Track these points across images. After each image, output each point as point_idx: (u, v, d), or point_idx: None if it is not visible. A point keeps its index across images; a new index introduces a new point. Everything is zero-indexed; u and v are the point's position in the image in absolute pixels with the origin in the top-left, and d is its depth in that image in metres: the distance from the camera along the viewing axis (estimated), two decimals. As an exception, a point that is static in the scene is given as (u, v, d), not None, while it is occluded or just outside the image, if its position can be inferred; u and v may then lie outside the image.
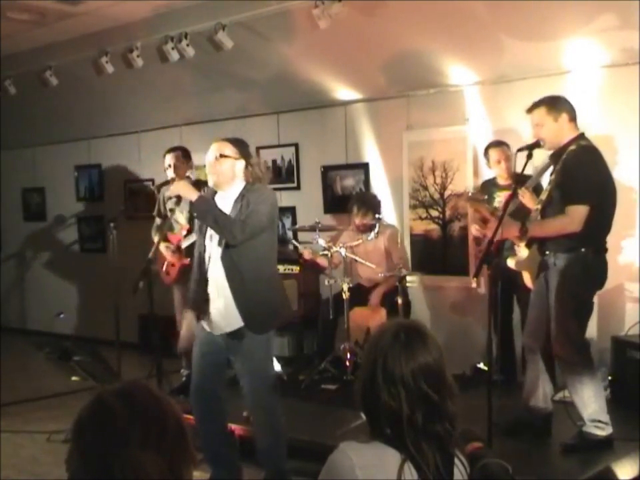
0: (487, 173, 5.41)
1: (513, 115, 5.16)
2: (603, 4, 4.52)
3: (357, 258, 5.54)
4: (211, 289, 3.56)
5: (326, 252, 5.44)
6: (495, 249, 3.49)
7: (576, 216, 3.68)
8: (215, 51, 5.82)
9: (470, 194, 5.20)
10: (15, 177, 9.15)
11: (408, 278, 5.35)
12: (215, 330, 3.57)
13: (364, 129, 6.27)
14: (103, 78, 6.60)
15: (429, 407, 1.65)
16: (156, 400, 1.29)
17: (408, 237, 6.00)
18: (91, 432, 1.24)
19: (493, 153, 5.13)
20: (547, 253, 3.87)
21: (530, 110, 3.90)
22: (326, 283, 5.48)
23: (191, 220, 4.85)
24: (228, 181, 3.55)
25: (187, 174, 3.58)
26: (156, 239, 5.40)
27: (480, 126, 5.59)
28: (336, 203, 6.45)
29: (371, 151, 6.26)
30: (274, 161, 6.69)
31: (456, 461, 1.67)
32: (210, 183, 3.57)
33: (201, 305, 3.58)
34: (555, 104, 3.86)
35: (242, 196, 3.53)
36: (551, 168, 3.92)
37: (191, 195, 3.47)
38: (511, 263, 4.00)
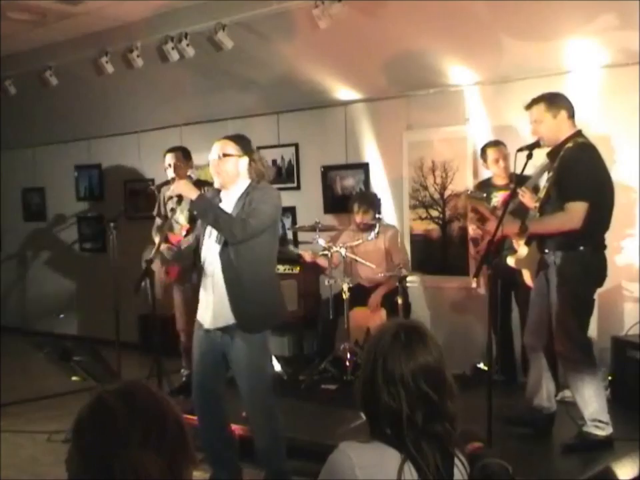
0: (486, 173, 5.40)
1: (513, 115, 5.16)
2: (603, 4, 4.52)
3: (357, 258, 5.54)
4: (206, 282, 3.56)
5: (326, 252, 5.45)
6: (495, 248, 3.49)
7: (575, 213, 3.69)
8: (215, 51, 5.82)
9: (469, 192, 5.21)
10: (15, 177, 9.15)
11: (408, 278, 5.35)
12: (207, 323, 3.58)
13: (364, 129, 6.27)
14: (103, 78, 6.60)
15: (429, 407, 1.65)
16: (156, 400, 1.29)
17: (408, 237, 6.00)
18: (90, 432, 1.24)
19: (491, 152, 5.13)
20: (547, 251, 3.87)
21: (529, 106, 3.90)
22: (326, 283, 5.49)
23: (191, 220, 4.85)
24: (233, 179, 3.55)
25: (188, 173, 3.57)
26: (156, 239, 5.41)
27: (480, 126, 5.59)
28: (336, 202, 6.45)
29: (370, 151, 6.26)
30: (274, 161, 6.69)
31: (456, 460, 1.67)
32: (215, 184, 3.57)
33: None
34: (554, 100, 3.86)
35: (246, 194, 3.53)
36: (549, 165, 3.93)
37: (192, 194, 3.47)
38: (510, 261, 3.99)
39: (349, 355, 5.26)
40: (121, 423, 1.22)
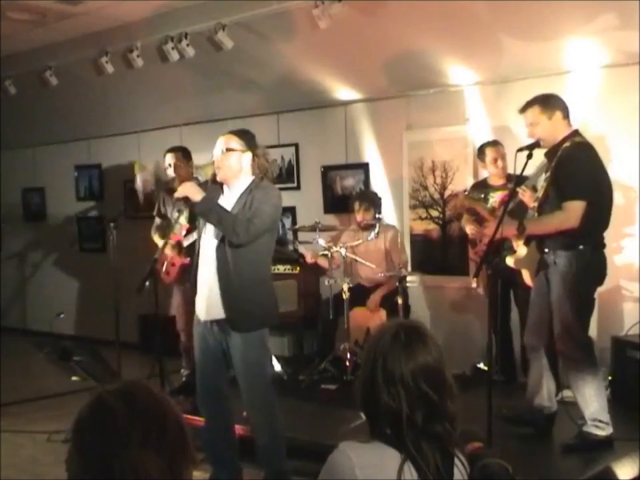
0: (486, 173, 5.41)
1: (513, 115, 5.14)
2: (603, 4, 4.52)
3: (357, 258, 5.54)
4: (202, 276, 3.57)
5: (326, 252, 5.45)
6: (494, 248, 3.50)
7: (573, 211, 3.69)
8: (215, 51, 5.82)
9: (467, 193, 5.20)
10: (15, 177, 9.15)
11: (408, 278, 5.36)
12: (202, 315, 3.59)
13: (364, 129, 6.27)
14: (103, 78, 6.60)
15: (429, 407, 1.65)
16: (156, 400, 1.29)
17: (408, 237, 6.00)
18: (90, 432, 1.23)
19: (490, 152, 5.13)
20: (546, 250, 3.87)
21: (523, 109, 3.92)
22: (326, 283, 5.49)
23: (191, 220, 4.85)
24: (235, 174, 3.55)
25: (195, 175, 3.58)
26: (156, 238, 5.41)
27: (480, 126, 5.59)
28: (336, 202, 6.45)
29: (370, 151, 6.26)
30: (274, 160, 6.69)
31: (456, 460, 1.67)
32: (218, 178, 3.57)
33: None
34: (549, 102, 3.87)
35: (248, 191, 3.53)
36: (547, 165, 3.93)
37: (197, 195, 3.47)
38: (510, 261, 4.00)
39: (348, 355, 5.26)
40: (121, 423, 1.22)
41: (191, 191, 3.49)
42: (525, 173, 3.74)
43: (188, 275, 3.97)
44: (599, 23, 4.66)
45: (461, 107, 5.69)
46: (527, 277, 4.04)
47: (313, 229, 5.46)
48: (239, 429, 3.97)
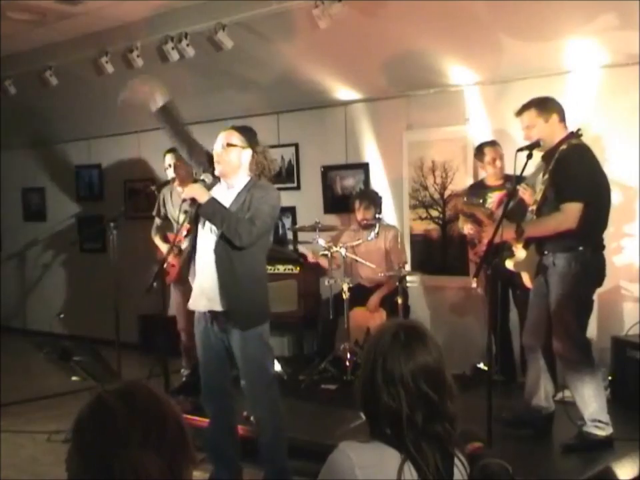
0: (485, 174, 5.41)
1: (513, 115, 5.15)
2: (603, 4, 4.52)
3: (358, 258, 5.54)
4: (200, 270, 3.57)
5: (326, 252, 5.45)
6: (494, 249, 3.50)
7: (571, 213, 3.70)
8: (215, 51, 5.82)
9: (465, 199, 5.20)
10: (15, 177, 9.15)
11: (408, 278, 5.36)
12: (200, 306, 3.60)
13: (364, 129, 6.27)
14: (103, 78, 6.60)
15: (429, 407, 1.65)
16: (156, 400, 1.28)
17: (408, 237, 6.00)
18: (90, 432, 1.23)
19: (489, 152, 5.13)
20: (546, 253, 3.87)
21: (519, 112, 3.93)
22: (326, 283, 5.49)
23: (191, 220, 4.84)
24: (234, 170, 3.55)
25: (202, 177, 3.58)
26: (156, 240, 5.41)
27: (480, 126, 5.59)
28: (336, 202, 6.45)
29: (370, 151, 6.26)
30: (275, 160, 6.68)
31: (456, 460, 1.67)
32: (216, 172, 3.58)
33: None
34: (545, 105, 3.88)
35: (247, 189, 3.53)
36: (544, 168, 3.93)
37: (203, 197, 3.48)
38: (509, 264, 4.00)
39: (348, 355, 5.26)
40: (121, 423, 1.22)
41: (198, 192, 3.49)
42: (523, 174, 3.74)
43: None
44: (598, 22, 4.66)
45: (460, 107, 5.69)
46: (526, 279, 4.04)
47: (313, 228, 5.46)
48: (239, 429, 3.97)
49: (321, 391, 5.19)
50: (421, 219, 5.97)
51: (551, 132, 3.84)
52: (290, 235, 6.69)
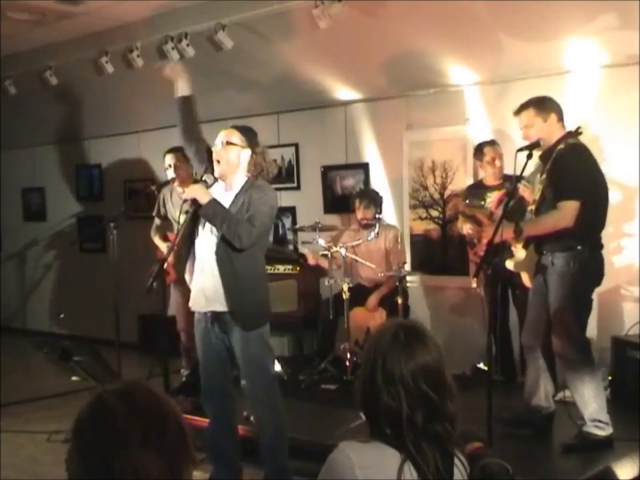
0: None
1: (512, 115, 5.15)
2: (603, 4, 4.52)
3: (358, 258, 5.54)
4: (201, 270, 3.56)
5: (326, 252, 5.45)
6: (494, 249, 3.50)
7: (568, 211, 3.70)
8: (215, 51, 5.82)
9: (467, 201, 5.19)
10: (15, 177, 9.15)
11: (408, 278, 5.36)
12: (201, 306, 3.60)
13: (364, 129, 6.27)
14: (103, 78, 6.60)
15: (429, 407, 1.65)
16: (156, 400, 1.28)
17: (408, 237, 6.00)
18: (90, 432, 1.23)
19: (488, 151, 5.13)
20: (544, 252, 3.88)
21: (518, 112, 3.94)
22: (326, 283, 5.49)
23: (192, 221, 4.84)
24: (233, 169, 3.56)
25: (204, 178, 3.58)
26: (156, 239, 5.41)
27: (480, 126, 5.59)
28: (336, 202, 6.45)
29: (370, 151, 6.26)
30: (274, 160, 6.68)
31: (456, 460, 1.67)
32: (216, 173, 3.57)
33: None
34: (544, 104, 3.89)
35: (245, 190, 3.53)
36: (542, 168, 3.93)
37: (204, 198, 3.48)
38: (509, 264, 4.00)
39: (348, 355, 5.26)
40: (121, 422, 1.22)
41: (199, 193, 3.50)
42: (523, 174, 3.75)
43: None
44: (598, 22, 4.66)
45: (461, 107, 5.69)
46: (526, 279, 4.04)
47: (313, 228, 5.46)
48: (239, 429, 3.98)
49: (321, 391, 5.19)
50: (420, 219, 5.97)
51: (549, 131, 3.85)
52: (290, 235, 6.69)
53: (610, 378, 4.67)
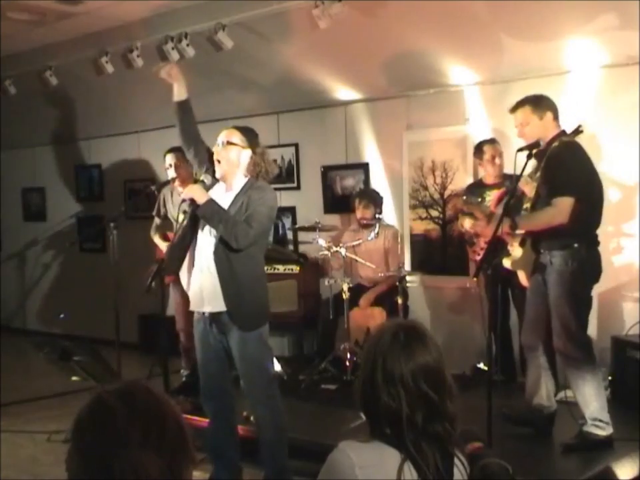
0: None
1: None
2: (603, 4, 4.52)
3: (358, 258, 5.54)
4: (200, 272, 3.56)
5: (326, 252, 5.45)
6: (495, 248, 3.50)
7: (562, 207, 3.71)
8: (214, 51, 5.82)
9: (464, 198, 5.20)
10: (15, 177, 9.15)
11: (408, 278, 5.36)
12: (200, 307, 3.59)
13: (364, 129, 6.27)
14: (103, 78, 6.60)
15: (429, 407, 1.65)
16: (156, 400, 1.28)
17: (408, 237, 6.00)
18: (90, 432, 1.23)
19: (488, 150, 5.14)
20: (542, 251, 3.88)
21: (513, 109, 3.94)
22: (326, 283, 5.49)
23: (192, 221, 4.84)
24: (233, 169, 3.56)
25: (201, 178, 3.59)
26: (156, 239, 5.41)
27: (480, 126, 5.59)
28: (336, 202, 6.45)
29: (370, 151, 6.26)
30: (274, 161, 6.69)
31: (456, 460, 1.67)
32: (216, 172, 3.57)
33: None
34: (540, 103, 3.91)
35: (244, 191, 3.53)
36: (536, 166, 3.94)
37: (202, 198, 3.48)
38: (506, 263, 4.01)
39: (348, 355, 5.26)
40: (121, 423, 1.22)
41: (197, 193, 3.50)
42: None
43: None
44: (598, 22, 4.66)
45: (461, 106, 5.69)
46: (522, 278, 4.05)
47: (312, 228, 5.46)
48: (239, 429, 3.98)
49: (320, 391, 5.19)
50: (420, 218, 5.97)
51: (544, 129, 3.87)
52: (290, 235, 6.69)
53: (610, 378, 4.67)
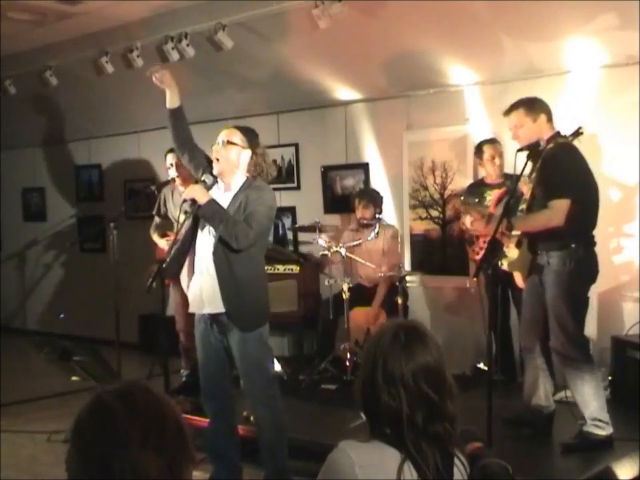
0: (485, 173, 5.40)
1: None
2: (603, 4, 4.52)
3: (358, 258, 5.54)
4: (200, 272, 3.57)
5: (326, 252, 5.45)
6: (494, 248, 3.51)
7: (558, 209, 3.72)
8: (214, 51, 5.82)
9: (462, 198, 5.20)
10: (15, 177, 9.15)
11: (408, 278, 5.36)
12: (200, 309, 3.59)
13: (364, 129, 6.27)
14: (103, 78, 6.60)
15: (429, 407, 1.65)
16: (156, 400, 1.28)
17: (408, 237, 6.00)
18: (90, 432, 1.23)
19: (488, 149, 5.14)
20: (539, 252, 3.88)
21: (507, 112, 3.96)
22: (326, 283, 5.49)
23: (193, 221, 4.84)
24: (232, 169, 3.56)
25: (203, 178, 3.59)
26: (155, 237, 5.41)
27: (480, 126, 5.59)
28: (336, 202, 6.45)
29: (370, 151, 6.26)
30: (274, 161, 6.68)
31: (456, 460, 1.67)
32: (214, 171, 3.58)
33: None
34: (533, 105, 3.92)
35: (243, 191, 3.53)
36: (531, 167, 3.94)
37: (203, 198, 3.48)
38: (503, 264, 4.01)
39: (348, 355, 5.26)
40: (121, 423, 1.22)
41: (198, 193, 3.50)
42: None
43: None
44: (598, 22, 4.66)
45: (461, 106, 5.69)
46: (519, 279, 4.05)
47: (313, 229, 5.46)
48: (239, 429, 3.98)
49: (320, 391, 5.19)
50: (420, 218, 5.97)
51: (538, 131, 3.87)
52: (290, 235, 6.69)
53: (610, 378, 4.67)
